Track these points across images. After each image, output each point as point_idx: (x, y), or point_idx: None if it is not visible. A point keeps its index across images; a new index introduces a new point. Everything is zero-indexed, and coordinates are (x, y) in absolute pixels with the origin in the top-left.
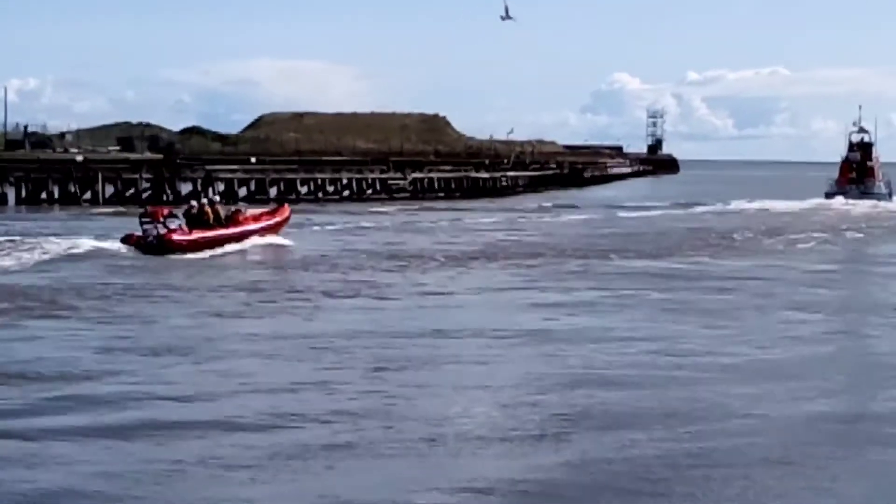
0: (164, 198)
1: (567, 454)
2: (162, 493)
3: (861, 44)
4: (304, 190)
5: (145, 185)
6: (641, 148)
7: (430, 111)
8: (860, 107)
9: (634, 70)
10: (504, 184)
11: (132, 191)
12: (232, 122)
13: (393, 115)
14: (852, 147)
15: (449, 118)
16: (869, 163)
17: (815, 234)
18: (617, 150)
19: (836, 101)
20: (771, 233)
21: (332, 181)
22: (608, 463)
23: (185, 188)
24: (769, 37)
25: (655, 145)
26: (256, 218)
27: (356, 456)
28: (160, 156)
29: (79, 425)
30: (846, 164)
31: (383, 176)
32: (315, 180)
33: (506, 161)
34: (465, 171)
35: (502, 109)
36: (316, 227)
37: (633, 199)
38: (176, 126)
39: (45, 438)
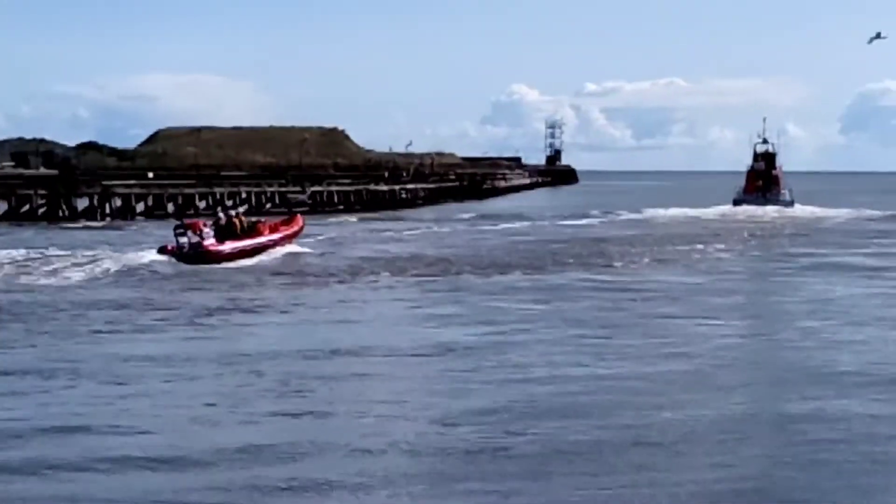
0: (60, 213)
1: None
2: None
3: (755, 55)
4: (202, 205)
5: (40, 201)
6: (540, 159)
7: (328, 125)
8: (764, 119)
9: (533, 81)
10: (403, 196)
11: (27, 207)
12: (130, 137)
13: (292, 128)
14: (757, 157)
15: (348, 131)
16: (773, 171)
17: (736, 239)
18: (516, 162)
19: (732, 112)
20: (690, 239)
21: (231, 195)
22: None
23: (82, 204)
24: (665, 48)
25: (554, 156)
26: (273, 228)
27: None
28: (55, 171)
29: None
30: (752, 173)
31: (282, 189)
32: (213, 194)
33: (405, 174)
34: (365, 184)
35: (402, 122)
36: None
37: (531, 211)
38: (72, 141)
39: None
